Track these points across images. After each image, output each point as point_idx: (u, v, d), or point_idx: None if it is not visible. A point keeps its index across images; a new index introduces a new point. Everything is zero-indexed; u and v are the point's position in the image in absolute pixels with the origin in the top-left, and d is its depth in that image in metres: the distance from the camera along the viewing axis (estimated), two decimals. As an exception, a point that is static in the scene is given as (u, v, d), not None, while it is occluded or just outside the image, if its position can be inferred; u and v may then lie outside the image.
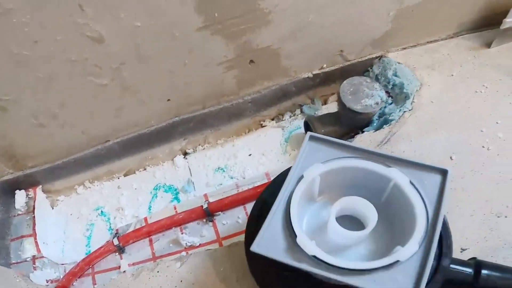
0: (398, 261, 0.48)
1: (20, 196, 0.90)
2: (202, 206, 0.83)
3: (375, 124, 0.87)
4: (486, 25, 0.94)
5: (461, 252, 0.69)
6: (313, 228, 0.58)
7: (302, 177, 0.56)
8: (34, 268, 0.84)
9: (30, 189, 0.92)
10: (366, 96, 0.82)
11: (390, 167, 0.55)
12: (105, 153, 0.91)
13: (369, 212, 0.54)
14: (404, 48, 0.93)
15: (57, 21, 0.65)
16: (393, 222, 0.56)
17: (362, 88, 0.83)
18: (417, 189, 0.54)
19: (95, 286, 0.83)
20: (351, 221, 0.59)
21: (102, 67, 0.74)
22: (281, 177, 0.68)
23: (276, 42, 0.82)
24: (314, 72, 0.92)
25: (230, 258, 0.74)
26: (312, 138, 0.59)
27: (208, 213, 0.83)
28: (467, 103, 0.84)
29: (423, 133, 0.81)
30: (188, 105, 0.88)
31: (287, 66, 0.88)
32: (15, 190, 0.91)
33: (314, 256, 0.49)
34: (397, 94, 0.87)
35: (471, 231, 0.70)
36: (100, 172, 0.95)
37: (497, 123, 0.81)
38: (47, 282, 0.83)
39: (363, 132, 0.86)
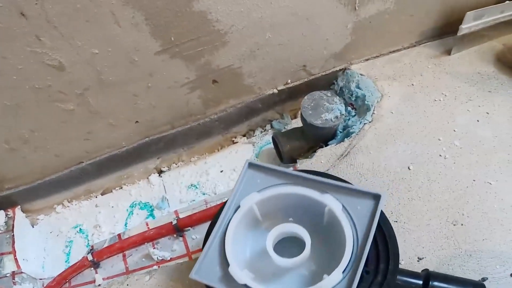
0: None
1: None
2: (171, 222, 0.86)
3: (338, 137, 0.89)
4: (446, 32, 0.95)
5: (418, 261, 0.70)
6: (259, 252, 0.60)
7: (239, 206, 0.58)
8: (14, 283, 0.87)
9: (9, 209, 0.96)
10: (326, 110, 0.84)
11: (326, 192, 0.57)
12: (80, 174, 0.94)
13: (304, 238, 0.55)
14: (367, 60, 0.95)
15: (17, 51, 0.68)
16: (328, 247, 0.58)
17: (323, 102, 0.85)
18: (349, 215, 0.55)
19: None
20: (296, 241, 0.59)
21: (66, 93, 0.78)
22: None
23: (236, 61, 0.85)
24: (279, 88, 0.94)
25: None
26: (251, 166, 0.61)
27: (177, 229, 0.85)
28: (425, 112, 0.85)
29: (382, 145, 0.82)
30: (157, 126, 0.92)
31: (251, 84, 0.91)
32: (-6, 211, 0.94)
33: (245, 285, 0.51)
34: (360, 106, 0.89)
35: (427, 240, 0.71)
36: (78, 191, 0.99)
37: (454, 131, 0.82)
38: None
39: (327, 145, 0.88)
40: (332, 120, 0.82)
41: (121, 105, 0.84)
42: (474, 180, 0.76)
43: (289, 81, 0.94)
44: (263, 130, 1.02)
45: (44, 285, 0.88)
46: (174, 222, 0.85)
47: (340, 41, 0.89)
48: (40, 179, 0.92)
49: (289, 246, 0.58)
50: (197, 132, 0.95)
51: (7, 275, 0.88)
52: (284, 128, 0.99)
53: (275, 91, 0.94)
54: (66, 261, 0.94)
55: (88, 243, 0.95)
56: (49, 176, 0.92)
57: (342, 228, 0.53)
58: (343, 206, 0.55)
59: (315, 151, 0.88)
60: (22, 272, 0.89)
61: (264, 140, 1.00)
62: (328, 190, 0.56)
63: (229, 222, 0.57)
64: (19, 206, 0.97)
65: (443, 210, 0.73)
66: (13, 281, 0.87)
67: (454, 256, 0.70)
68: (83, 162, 0.92)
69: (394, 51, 0.96)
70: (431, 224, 0.72)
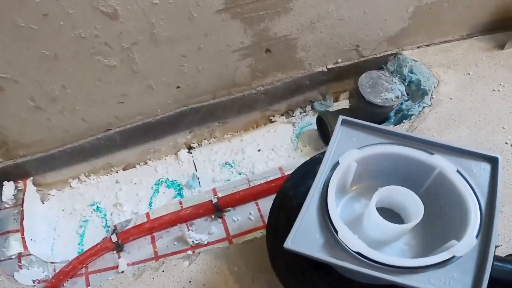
0: (453, 257, 0.44)
1: (8, 188, 0.83)
2: (211, 200, 0.78)
3: (392, 120, 0.85)
4: (499, 27, 0.95)
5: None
6: (345, 223, 0.54)
7: (337, 163, 0.51)
8: (20, 267, 0.75)
9: (19, 181, 0.85)
10: (386, 89, 0.80)
11: (432, 154, 0.52)
12: (105, 144, 0.85)
13: (412, 204, 0.50)
14: (419, 47, 0.93)
15: (71, -8, 0.59)
16: (436, 214, 0.52)
17: (381, 81, 0.81)
18: (465, 178, 0.50)
19: (89, 287, 0.75)
20: (386, 215, 0.53)
21: (112, 46, 0.69)
22: (306, 167, 0.65)
23: (294, 31, 0.80)
24: (329, 66, 0.90)
25: (244, 256, 0.69)
26: (344, 122, 0.55)
27: (217, 209, 0.78)
28: (485, 101, 0.83)
29: (444, 129, 0.80)
30: (197, 94, 0.84)
31: (303, 58, 0.86)
32: (3, 181, 0.83)
33: (358, 253, 0.44)
34: (414, 91, 0.86)
35: (502, 228, 0.69)
36: (97, 165, 0.89)
37: None
38: (34, 282, 0.75)
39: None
40: (392, 100, 0.78)
41: (166, 66, 0.76)
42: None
43: (340, 60, 0.90)
44: (302, 111, 0.97)
45: (56, 270, 0.77)
46: (215, 200, 0.78)
47: (397, 24, 0.87)
48: (60, 146, 0.82)
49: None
50: (240, 104, 0.89)
51: (12, 257, 0.76)
52: (327, 109, 0.94)
53: (325, 69, 0.89)
54: (79, 243, 0.84)
55: (106, 224, 0.85)
56: (70, 144, 0.82)
57: (459, 192, 0.48)
58: (456, 169, 0.49)
59: None
60: (30, 254, 0.77)
61: (305, 121, 0.95)
62: (435, 152, 0.51)
63: (328, 181, 0.50)
64: (31, 178, 0.85)
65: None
66: (19, 264, 0.76)
67: None
68: (111, 129, 0.83)
69: (445, 42, 0.95)
70: (504, 211, 0.70)
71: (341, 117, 0.55)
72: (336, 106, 0.97)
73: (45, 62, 0.68)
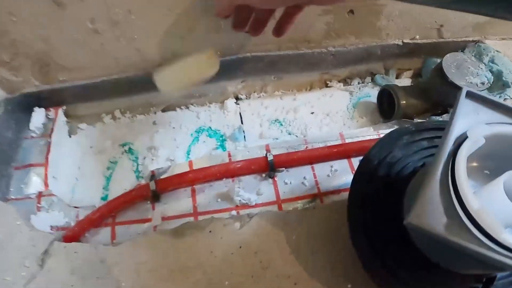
0: None
1: (38, 115, 0.73)
2: (266, 157, 0.71)
3: (463, 108, 0.79)
4: None
5: None
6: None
7: (465, 137, 0.45)
8: (38, 208, 0.66)
9: (51, 109, 0.75)
10: (471, 74, 0.74)
11: None
12: (146, 81, 0.76)
13: None
14: (503, 39, 0.88)
15: None
16: None
17: (467, 65, 0.75)
18: None
19: (114, 241, 0.67)
20: None
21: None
22: (393, 135, 0.59)
23: None
24: (405, 41, 0.83)
25: (306, 224, 0.62)
26: (469, 95, 0.48)
27: (271, 167, 0.71)
28: None
29: None
30: (263, 42, 0.76)
31: (382, 27, 0.79)
32: (34, 107, 0.74)
33: (489, 236, 0.39)
34: (494, 81, 0.80)
35: None
36: (137, 101, 0.80)
37: None
38: (52, 228, 0.65)
39: (446, 112, 0.78)
40: (478, 85, 0.73)
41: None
42: None
43: (418, 36, 0.83)
44: (361, 81, 0.90)
45: (79, 216, 0.69)
46: (270, 157, 0.71)
47: None
48: (105, 76, 0.73)
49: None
50: (306, 61, 0.82)
51: (31, 196, 0.67)
52: (394, 84, 0.88)
53: (400, 43, 0.83)
54: (104, 188, 0.76)
55: (137, 168, 0.77)
56: (116, 74, 0.73)
57: None
58: None
59: (436, 114, 0.80)
60: (52, 195, 0.68)
61: (364, 92, 0.89)
62: None
63: (454, 156, 0.44)
64: (64, 107, 0.76)
65: None
66: (38, 205, 0.67)
67: None
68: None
69: None
70: None
71: (465, 88, 0.48)
72: (397, 82, 0.90)
73: None
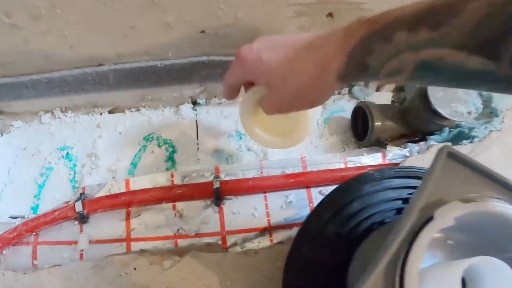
0: None
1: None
2: (212, 183, 0.62)
3: (446, 134, 0.70)
4: None
5: None
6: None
7: (431, 218, 0.37)
8: None
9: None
10: (458, 100, 0.64)
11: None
12: (93, 80, 0.68)
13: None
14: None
15: None
16: None
17: (456, 89, 0.64)
18: None
19: (35, 262, 0.61)
20: None
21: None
22: (353, 184, 0.50)
23: (373, 0, 0.63)
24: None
25: (243, 270, 0.56)
26: (451, 155, 0.39)
27: (217, 195, 0.63)
28: None
29: (509, 164, 0.65)
30: (223, 45, 0.67)
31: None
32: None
33: None
34: (482, 108, 0.69)
35: None
36: (79, 101, 0.72)
37: None
38: None
39: (424, 139, 0.69)
40: (463, 115, 0.64)
41: (196, 3, 0.58)
42: None
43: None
44: (338, 93, 0.80)
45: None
46: (217, 184, 0.62)
47: None
48: (35, 74, 0.64)
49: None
50: None
51: None
52: (364, 98, 0.79)
53: None
54: (36, 196, 0.69)
55: (74, 177, 0.70)
56: (49, 73, 0.65)
57: None
58: None
59: (412, 141, 0.71)
60: None
61: (338, 105, 0.80)
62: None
63: (414, 237, 0.35)
64: (-6, 103, 0.68)
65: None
66: None
67: None
68: (104, 65, 0.65)
69: None
70: None
71: (446, 147, 0.40)
72: (376, 96, 0.81)
73: None
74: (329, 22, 0.64)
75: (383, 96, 0.82)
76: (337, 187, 0.50)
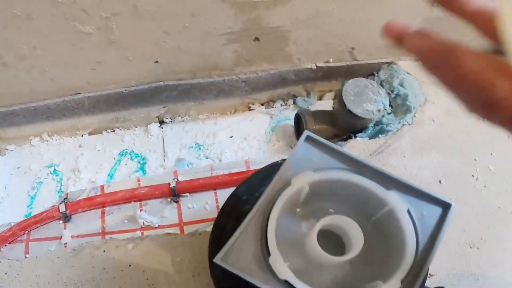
0: None
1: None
2: (169, 183, 0.76)
3: (369, 131, 0.84)
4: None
5: (428, 277, 0.67)
6: (289, 239, 0.53)
7: (289, 183, 0.50)
8: None
9: (-24, 132, 0.83)
10: (369, 100, 0.78)
11: (389, 189, 0.50)
12: (72, 107, 0.83)
13: (354, 237, 0.50)
14: (417, 60, 0.89)
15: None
16: (377, 248, 0.52)
17: (367, 91, 0.79)
18: (412, 220, 0.49)
19: (27, 255, 0.74)
20: (331, 237, 0.55)
21: (91, 13, 0.67)
22: (264, 172, 0.63)
23: (288, 24, 0.78)
24: (319, 65, 0.88)
25: (190, 248, 0.69)
26: (309, 139, 0.53)
27: (174, 193, 0.76)
28: (466, 129, 0.84)
29: (418, 152, 0.80)
30: (176, 72, 0.82)
31: (292, 52, 0.84)
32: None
33: (286, 281, 0.44)
34: (399, 105, 0.84)
35: (442, 258, 0.72)
36: (62, 125, 0.87)
37: (491, 154, 0.82)
38: None
39: (355, 137, 0.82)
40: (373, 113, 0.77)
41: (146, 40, 0.74)
42: (499, 207, 0.77)
43: (331, 60, 0.88)
44: (283, 104, 0.95)
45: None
46: (173, 184, 0.76)
47: None
48: (24, 103, 0.80)
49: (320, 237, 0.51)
50: (218, 89, 0.87)
51: None
52: (308, 107, 0.93)
53: (314, 66, 0.88)
54: (29, 206, 0.83)
55: (61, 189, 0.84)
56: (35, 102, 0.81)
57: (403, 233, 0.48)
58: (407, 209, 0.49)
59: (342, 140, 0.84)
60: None
61: (284, 114, 0.94)
62: (391, 186, 0.50)
63: (275, 200, 0.48)
64: (-10, 130, 0.83)
65: (464, 231, 0.75)
66: None
67: (463, 278, 0.71)
68: (80, 93, 0.81)
69: None
70: (449, 243, 0.73)
71: (306, 133, 0.53)
72: (319, 105, 0.95)
73: (15, 22, 0.65)
74: (258, 46, 0.80)
75: (325, 104, 0.97)
76: (252, 175, 0.63)
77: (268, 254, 0.46)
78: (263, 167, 0.64)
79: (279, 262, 0.45)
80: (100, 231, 0.77)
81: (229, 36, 0.76)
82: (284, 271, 0.45)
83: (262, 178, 0.63)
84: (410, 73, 0.89)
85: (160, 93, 0.85)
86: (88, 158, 0.88)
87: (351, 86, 0.80)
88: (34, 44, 0.70)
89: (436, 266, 0.70)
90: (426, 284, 0.67)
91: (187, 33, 0.74)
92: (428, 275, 0.68)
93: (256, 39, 0.79)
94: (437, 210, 0.50)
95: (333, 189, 0.52)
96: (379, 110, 0.78)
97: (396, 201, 0.49)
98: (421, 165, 0.79)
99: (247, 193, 0.62)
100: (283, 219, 0.52)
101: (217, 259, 0.45)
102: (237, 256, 0.47)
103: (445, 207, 0.50)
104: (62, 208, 0.75)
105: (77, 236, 0.76)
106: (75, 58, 0.74)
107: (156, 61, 0.79)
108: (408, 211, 0.49)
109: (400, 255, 0.48)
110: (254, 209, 0.48)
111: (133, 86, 0.82)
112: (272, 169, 0.63)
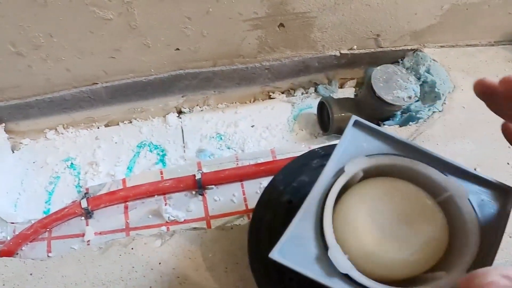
0: None
1: (-22, 132, 0.77)
2: (194, 175, 0.73)
3: (398, 119, 0.81)
4: (531, 39, 0.89)
5: None
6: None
7: (342, 170, 0.47)
8: None
9: (-10, 126, 0.79)
10: (399, 87, 0.75)
11: (447, 175, 0.47)
12: (89, 98, 0.79)
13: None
14: (442, 47, 0.88)
15: None
16: None
17: (396, 78, 0.76)
18: (473, 208, 0.46)
19: (49, 254, 0.71)
20: None
21: (111, -2, 0.62)
22: (301, 161, 0.60)
23: (314, 9, 0.74)
24: (343, 52, 0.85)
25: (221, 243, 0.66)
26: (357, 124, 0.49)
27: (199, 185, 0.73)
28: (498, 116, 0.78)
29: (450, 139, 0.77)
30: (197, 59, 0.78)
31: (317, 39, 0.81)
32: (-27, 125, 0.78)
33: (347, 275, 0.41)
34: (426, 92, 0.81)
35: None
36: (78, 117, 0.83)
37: None
38: None
39: (383, 125, 0.79)
40: (404, 99, 0.74)
41: (168, 26, 0.70)
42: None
43: (355, 47, 0.84)
44: (304, 92, 0.92)
45: (16, 231, 0.73)
46: (198, 176, 0.73)
47: (427, 19, 0.82)
48: (39, 95, 0.77)
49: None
50: (241, 77, 0.84)
51: None
52: (330, 95, 0.89)
53: (338, 53, 0.84)
54: (47, 202, 0.80)
55: (79, 183, 0.81)
56: (51, 93, 0.77)
57: (465, 222, 0.45)
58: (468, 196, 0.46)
59: None
60: None
61: (306, 103, 0.91)
62: (448, 172, 0.47)
63: (329, 189, 0.45)
64: (3, 125, 0.80)
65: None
66: None
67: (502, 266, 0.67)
68: (97, 83, 0.77)
69: (470, 45, 0.90)
70: None
71: (354, 118, 0.50)
72: (340, 93, 0.92)
73: (32, 8, 0.61)
74: (282, 32, 0.76)
75: (346, 92, 0.94)
76: (288, 163, 0.60)
77: (326, 246, 0.43)
78: (299, 156, 0.60)
79: (339, 255, 0.42)
80: (124, 227, 0.73)
81: (253, 22, 0.73)
82: (345, 264, 0.42)
83: (298, 167, 0.60)
84: (436, 60, 0.85)
85: (180, 82, 0.81)
86: (106, 151, 0.84)
87: (380, 73, 0.76)
88: (50, 31, 0.66)
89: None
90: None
91: (210, 19, 0.70)
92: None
93: (281, 25, 0.75)
94: (496, 196, 0.48)
95: (387, 175, 0.49)
96: (410, 97, 0.75)
97: (457, 187, 0.46)
98: (455, 152, 0.76)
99: (283, 183, 0.59)
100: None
101: (273, 254, 0.42)
102: (292, 250, 0.44)
103: (507, 192, 0.47)
104: (84, 203, 0.72)
105: (100, 233, 0.73)
106: (93, 46, 0.70)
107: (177, 48, 0.75)
108: (469, 200, 0.47)
109: (462, 244, 0.45)
110: (307, 200, 0.45)
111: (152, 74, 0.79)
112: (308, 157, 0.60)
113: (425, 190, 0.48)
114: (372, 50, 0.85)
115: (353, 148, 0.49)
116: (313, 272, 0.41)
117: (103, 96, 0.79)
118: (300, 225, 0.45)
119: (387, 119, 0.82)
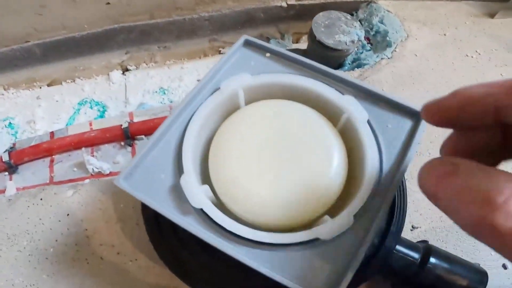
0: (317, 239, 0.31)
1: None
2: (121, 125, 0.63)
3: (346, 67, 0.70)
4: (495, -4, 0.77)
5: (411, 230, 0.57)
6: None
7: (218, 89, 0.36)
8: None
9: None
10: (342, 32, 0.65)
11: (343, 94, 0.36)
12: (23, 56, 0.74)
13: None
14: None
15: None
16: None
17: (340, 23, 0.66)
18: (375, 134, 0.34)
19: None
20: None
21: None
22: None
23: None
24: (290, 2, 0.75)
25: (136, 194, 0.55)
26: (247, 43, 0.39)
27: (127, 135, 0.63)
28: (453, 65, 0.71)
29: (398, 85, 0.70)
30: (132, 13, 0.73)
31: (260, -13, 0.70)
32: None
33: (202, 210, 0.33)
34: (378, 42, 0.72)
35: (427, 207, 0.58)
36: (18, 78, 0.78)
37: None
38: None
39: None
40: (346, 43, 0.63)
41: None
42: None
43: (303, -4, 0.72)
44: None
45: None
46: (125, 125, 0.63)
47: None
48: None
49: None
50: (180, 29, 0.77)
51: None
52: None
53: (284, 4, 0.76)
54: (-20, 160, 0.71)
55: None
56: (-20, 52, 0.68)
57: (363, 149, 0.33)
58: (368, 119, 0.34)
59: None
60: None
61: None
62: (349, 93, 0.35)
63: (197, 107, 0.35)
64: None
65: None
66: None
67: (451, 232, 0.58)
68: (29, 41, 0.70)
69: None
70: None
71: (244, 37, 0.39)
72: (294, 47, 0.81)
73: None
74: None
75: (302, 47, 0.82)
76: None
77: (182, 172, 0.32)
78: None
79: (192, 184, 0.31)
80: (48, 181, 0.64)
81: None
82: (197, 196, 0.31)
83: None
84: (391, 11, 0.74)
85: (117, 37, 0.74)
86: (46, 110, 0.77)
87: (322, 18, 0.67)
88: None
89: (420, 216, 0.57)
90: (408, 237, 0.54)
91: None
92: (411, 227, 0.56)
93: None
94: (406, 123, 0.36)
95: (279, 97, 0.38)
96: (353, 41, 0.64)
97: (355, 108, 0.35)
98: (402, 98, 0.64)
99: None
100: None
101: (117, 181, 0.32)
102: (145, 178, 0.33)
103: (415, 117, 0.36)
104: (6, 157, 0.63)
105: (23, 188, 0.65)
106: (16, 2, 0.65)
107: (108, 3, 0.66)
108: (369, 122, 0.35)
109: (356, 179, 0.34)
110: (168, 119, 0.35)
111: (86, 30, 0.71)
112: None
113: (325, 116, 0.37)
114: (323, 0, 0.76)
115: (240, 68, 0.38)
116: (164, 207, 0.31)
117: (37, 54, 0.73)
118: (158, 149, 0.34)
119: (337, 68, 0.70)
